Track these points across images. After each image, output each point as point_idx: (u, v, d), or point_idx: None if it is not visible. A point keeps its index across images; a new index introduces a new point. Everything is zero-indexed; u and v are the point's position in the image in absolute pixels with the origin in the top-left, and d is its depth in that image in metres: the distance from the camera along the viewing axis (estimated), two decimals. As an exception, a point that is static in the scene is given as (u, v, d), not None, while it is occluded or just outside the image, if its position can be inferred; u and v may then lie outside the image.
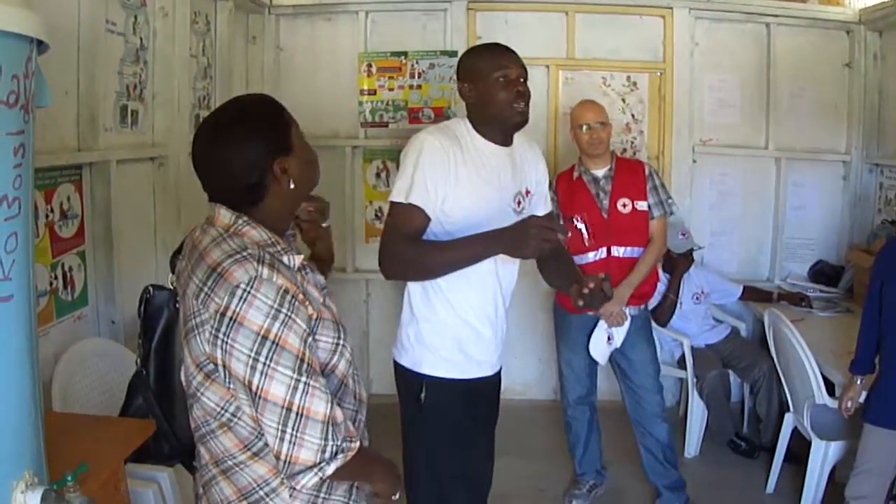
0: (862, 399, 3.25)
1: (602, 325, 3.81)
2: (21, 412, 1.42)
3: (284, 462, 1.55)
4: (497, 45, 2.67)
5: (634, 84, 5.11)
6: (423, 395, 2.60)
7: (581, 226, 3.80)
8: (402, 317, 2.68)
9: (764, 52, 5.13)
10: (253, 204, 1.71)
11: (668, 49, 5.06)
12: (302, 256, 1.73)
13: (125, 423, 1.87)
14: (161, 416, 1.99)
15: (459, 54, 4.87)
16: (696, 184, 5.23)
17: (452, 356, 2.59)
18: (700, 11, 5.04)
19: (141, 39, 3.72)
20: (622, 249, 3.81)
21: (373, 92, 5.10)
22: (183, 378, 1.73)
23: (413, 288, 2.61)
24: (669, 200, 3.89)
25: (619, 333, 3.82)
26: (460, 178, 2.45)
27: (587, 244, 3.80)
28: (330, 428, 1.58)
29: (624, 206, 3.81)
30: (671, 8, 5.01)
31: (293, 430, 1.54)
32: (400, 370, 2.68)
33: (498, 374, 2.80)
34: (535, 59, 5.04)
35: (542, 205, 2.78)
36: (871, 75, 5.07)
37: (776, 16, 5.06)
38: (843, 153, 5.23)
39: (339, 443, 1.59)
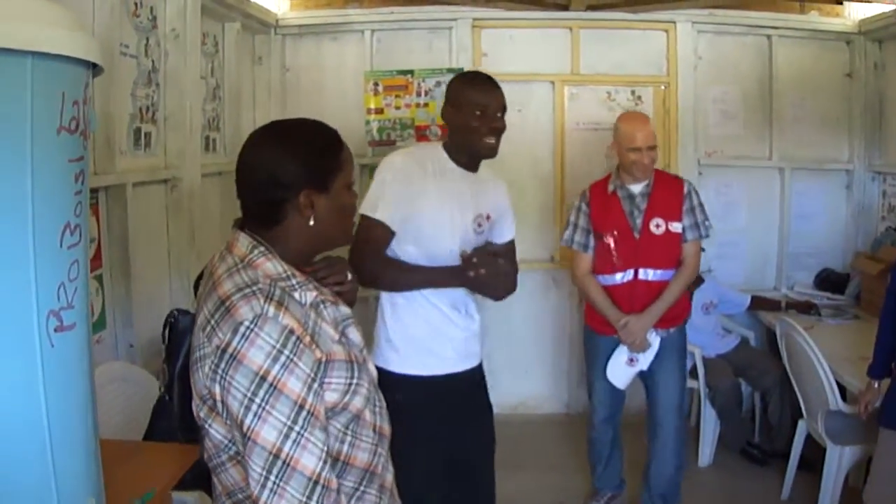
0: (878, 403, 3.26)
1: (623, 348, 3.69)
2: (86, 440, 1.42)
3: None
4: (484, 76, 2.85)
5: (639, 98, 5.14)
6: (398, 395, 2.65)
7: (612, 243, 3.66)
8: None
9: (766, 64, 5.18)
10: (269, 225, 1.67)
11: (672, 63, 5.10)
12: (316, 293, 1.66)
13: (170, 449, 1.86)
14: (184, 443, 1.95)
15: (465, 71, 4.96)
16: (702, 196, 5.13)
17: (416, 354, 2.74)
18: (702, 25, 5.08)
19: (153, 61, 3.72)
20: (651, 272, 3.63)
21: (380, 111, 5.11)
22: (194, 408, 1.67)
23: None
24: (707, 223, 3.69)
25: (645, 357, 3.69)
26: (425, 196, 2.65)
27: (616, 263, 3.66)
28: (317, 488, 1.49)
29: (657, 226, 3.61)
30: (674, 22, 5.05)
31: (276, 478, 1.46)
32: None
33: (470, 370, 2.89)
34: (540, 75, 5.11)
35: (506, 230, 2.99)
36: (872, 85, 5.12)
37: (777, 28, 5.10)
38: (845, 162, 5.27)
39: None
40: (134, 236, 3.46)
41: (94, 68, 1.43)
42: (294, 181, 1.64)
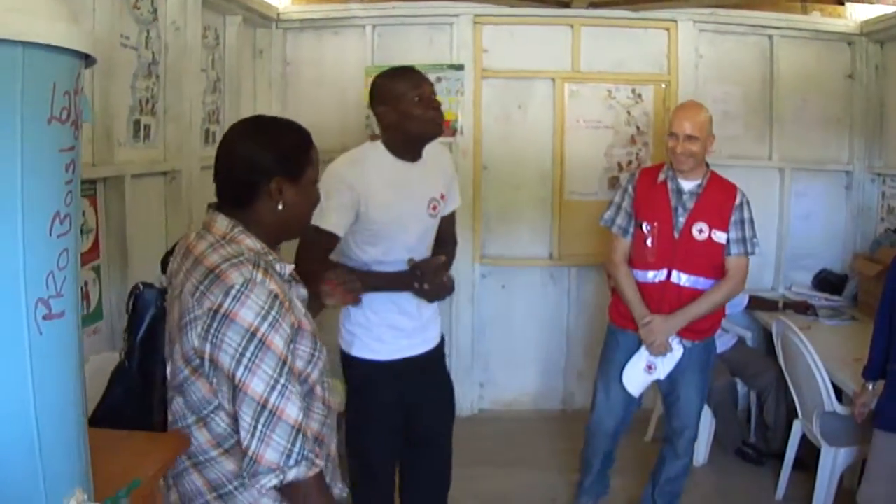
0: (873, 405, 3.27)
1: (644, 351, 3.51)
2: (74, 430, 1.42)
3: (250, 459, 1.64)
4: (406, 68, 2.93)
5: (639, 96, 5.12)
6: (356, 374, 2.96)
7: (649, 235, 3.47)
8: None
9: (767, 64, 5.17)
10: (241, 205, 1.83)
11: (673, 61, 5.09)
12: (292, 267, 1.86)
13: (160, 438, 1.89)
14: (138, 409, 2.08)
15: (466, 68, 4.98)
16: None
17: (370, 341, 2.91)
18: (704, 24, 5.07)
19: (153, 54, 3.72)
20: (684, 277, 3.43)
21: (380, 105, 5.08)
22: (169, 372, 1.83)
23: None
24: (754, 240, 3.44)
25: (664, 364, 3.50)
26: (371, 199, 2.76)
27: (650, 259, 3.48)
28: (299, 436, 1.67)
29: (700, 231, 3.39)
30: (675, 21, 5.04)
31: (264, 426, 1.63)
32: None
33: (426, 352, 3.04)
34: (541, 71, 5.11)
35: (452, 201, 3.11)
36: (873, 86, 5.12)
37: (779, 28, 5.09)
38: (845, 163, 5.26)
39: (305, 452, 1.68)
40: (132, 228, 3.47)
41: (87, 59, 1.43)
42: (268, 167, 1.82)
